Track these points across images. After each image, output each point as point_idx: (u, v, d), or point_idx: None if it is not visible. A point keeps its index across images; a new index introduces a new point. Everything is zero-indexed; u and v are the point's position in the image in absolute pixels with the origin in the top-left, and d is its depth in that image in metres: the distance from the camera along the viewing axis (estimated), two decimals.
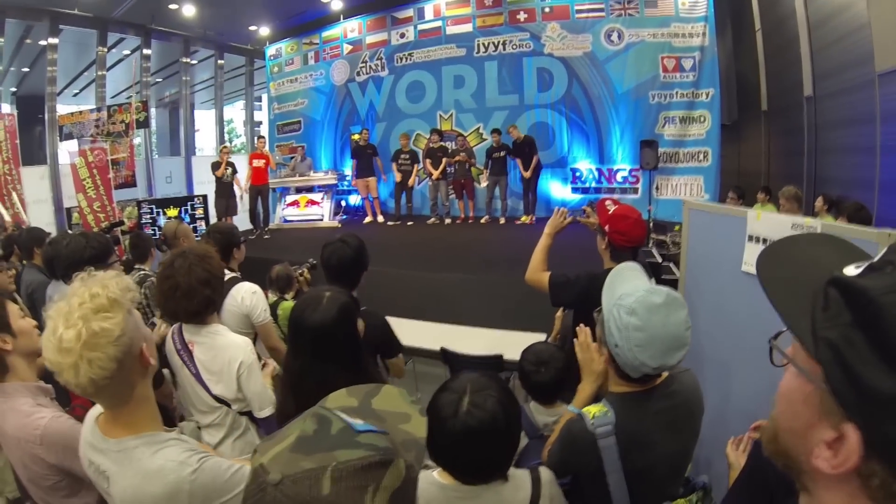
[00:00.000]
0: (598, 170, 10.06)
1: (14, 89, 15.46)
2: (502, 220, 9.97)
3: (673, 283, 3.10)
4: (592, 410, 1.64)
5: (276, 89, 13.96)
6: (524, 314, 4.79)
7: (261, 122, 18.55)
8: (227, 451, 2.27)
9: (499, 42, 10.59)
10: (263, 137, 11.84)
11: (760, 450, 1.39)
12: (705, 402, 1.78)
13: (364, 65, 12.30)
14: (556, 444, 1.77)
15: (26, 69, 14.83)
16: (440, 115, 11.52)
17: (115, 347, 1.26)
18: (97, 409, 1.47)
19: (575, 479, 1.73)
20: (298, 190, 11.57)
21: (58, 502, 1.92)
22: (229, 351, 2.27)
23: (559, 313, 2.98)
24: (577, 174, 10.28)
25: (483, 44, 10.75)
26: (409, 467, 0.72)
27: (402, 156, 10.56)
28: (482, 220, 10.18)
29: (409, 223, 10.56)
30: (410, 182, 10.61)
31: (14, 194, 10.69)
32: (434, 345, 4.21)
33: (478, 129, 11.02)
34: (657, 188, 9.36)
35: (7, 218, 3.71)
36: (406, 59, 11.73)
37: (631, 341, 1.54)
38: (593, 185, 10.12)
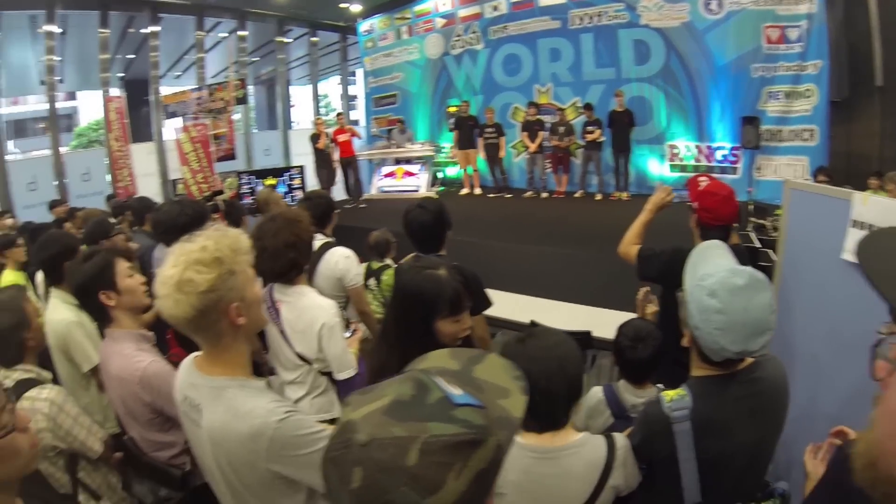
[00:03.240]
0: (697, 147, 10.22)
1: (121, 74, 17.38)
2: (598, 196, 10.55)
3: (770, 270, 3.12)
4: (670, 394, 1.71)
5: (371, 64, 15.19)
6: (615, 293, 4.91)
7: (355, 97, 19.75)
8: (306, 407, 2.58)
9: (594, 14, 10.86)
10: (342, 113, 13.03)
11: (842, 460, 1.40)
12: (792, 399, 1.79)
13: (458, 38, 13.05)
14: (634, 427, 1.88)
15: (131, 55, 16.73)
16: (537, 89, 12.04)
17: (196, 298, 1.49)
18: (194, 354, 1.74)
19: (650, 467, 1.81)
20: (396, 161, 12.65)
21: (151, 437, 2.32)
22: (313, 311, 2.56)
23: (640, 295, 3.05)
24: (675, 151, 10.51)
25: (578, 16, 11.07)
26: (499, 447, 0.75)
27: (488, 129, 11.34)
28: (576, 195, 10.83)
29: (508, 196, 11.41)
30: (501, 154, 11.43)
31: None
32: (524, 317, 4.32)
33: (575, 102, 11.42)
34: (758, 168, 9.30)
35: None
36: (501, 31, 12.32)
37: (711, 324, 1.58)
38: (692, 163, 10.30)
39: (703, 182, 2.72)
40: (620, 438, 1.76)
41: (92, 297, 2.37)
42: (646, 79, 10.60)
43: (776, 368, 1.75)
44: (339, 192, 11.68)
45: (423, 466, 0.69)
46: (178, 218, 3.29)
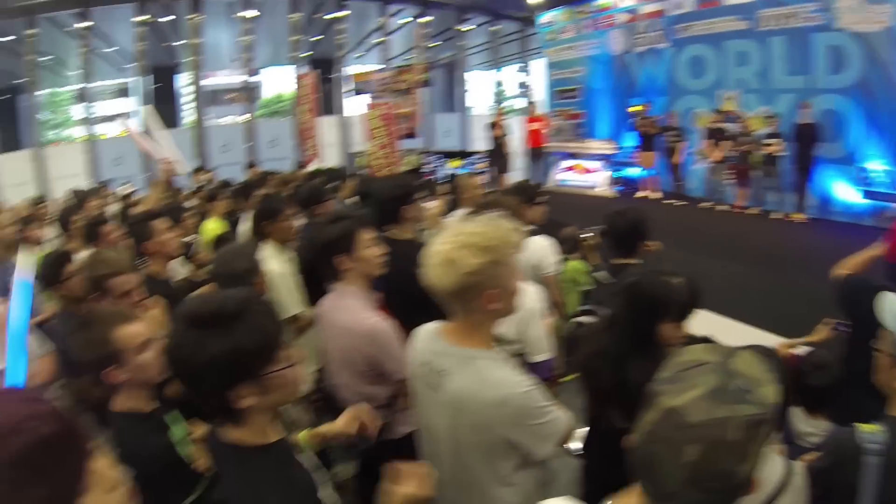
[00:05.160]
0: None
1: (307, 54, 19.18)
2: (776, 215, 10.20)
3: None
4: (865, 427, 1.75)
5: (553, 56, 15.64)
6: (793, 320, 4.69)
7: (528, 86, 20.34)
8: None
9: (785, 14, 10.28)
10: (535, 102, 13.82)
11: None
12: None
13: (642, 35, 13.00)
14: (821, 452, 1.91)
15: (319, 37, 18.44)
16: (722, 94, 11.65)
17: (460, 277, 1.71)
18: (435, 324, 2.04)
19: (821, 499, 1.81)
20: (575, 156, 13.19)
21: (359, 387, 2.59)
22: None
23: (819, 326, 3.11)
24: (867, 175, 9.61)
25: (767, 16, 10.55)
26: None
27: (669, 133, 11.49)
28: (750, 211, 10.54)
29: (683, 203, 11.48)
30: (675, 160, 11.55)
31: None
32: (698, 332, 4.49)
33: (761, 112, 10.80)
34: None
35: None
36: (685, 30, 12.08)
37: None
38: (885, 190, 9.36)
39: None
40: (799, 465, 1.80)
41: (328, 257, 2.63)
42: (839, 90, 9.82)
43: None
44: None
45: (740, 440, 0.94)
46: (394, 190, 3.58)
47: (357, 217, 2.82)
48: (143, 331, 2.11)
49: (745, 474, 0.95)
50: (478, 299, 1.78)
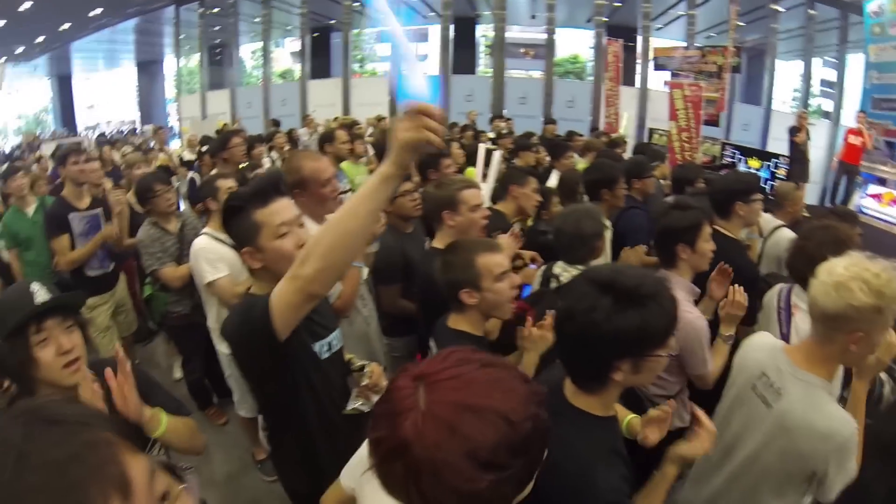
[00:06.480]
0: None
1: (605, 19, 19.42)
2: None
3: None
4: None
5: (876, 55, 12.52)
6: None
7: (832, 83, 18.35)
8: None
9: None
10: (864, 112, 12.12)
11: None
12: None
13: None
14: None
15: (618, 3, 18.64)
16: None
17: (843, 306, 1.78)
18: (776, 340, 2.19)
19: None
20: (884, 182, 11.35)
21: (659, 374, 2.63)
22: None
23: None
24: None
25: None
26: None
27: None
28: None
29: None
30: None
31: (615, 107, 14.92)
32: None
33: None
34: None
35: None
36: None
37: None
38: None
39: None
40: None
41: (669, 245, 2.73)
42: None
43: None
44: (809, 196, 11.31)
45: None
46: (733, 184, 3.60)
47: (704, 209, 2.83)
48: (504, 262, 2.30)
49: None
50: (845, 334, 1.84)
